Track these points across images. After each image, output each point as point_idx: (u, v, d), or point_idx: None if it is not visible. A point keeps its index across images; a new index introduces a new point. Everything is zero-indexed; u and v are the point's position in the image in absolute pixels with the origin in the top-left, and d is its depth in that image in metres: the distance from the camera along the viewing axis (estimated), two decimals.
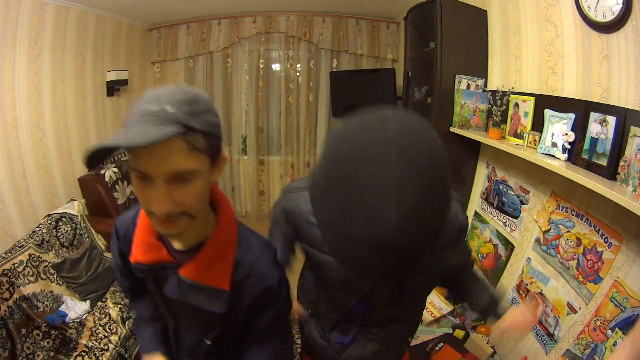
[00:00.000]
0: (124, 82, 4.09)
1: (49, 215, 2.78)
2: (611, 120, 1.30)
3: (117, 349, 2.33)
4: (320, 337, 1.28)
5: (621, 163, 1.26)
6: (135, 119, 0.73)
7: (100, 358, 2.22)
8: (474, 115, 2.30)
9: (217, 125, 0.83)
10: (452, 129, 2.35)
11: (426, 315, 2.32)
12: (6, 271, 2.23)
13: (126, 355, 2.39)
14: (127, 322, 2.52)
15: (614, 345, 1.34)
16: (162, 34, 4.67)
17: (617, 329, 1.34)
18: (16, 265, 2.31)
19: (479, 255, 2.46)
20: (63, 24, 3.08)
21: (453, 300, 1.73)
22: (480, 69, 2.35)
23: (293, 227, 1.11)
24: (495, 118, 2.14)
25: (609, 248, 1.44)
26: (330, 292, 1.16)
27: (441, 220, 0.65)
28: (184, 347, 1.16)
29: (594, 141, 1.39)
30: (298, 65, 4.80)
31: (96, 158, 0.69)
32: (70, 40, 3.20)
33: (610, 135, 1.31)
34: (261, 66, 4.74)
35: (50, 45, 2.95)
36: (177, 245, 0.94)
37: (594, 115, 1.38)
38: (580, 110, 1.47)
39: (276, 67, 4.95)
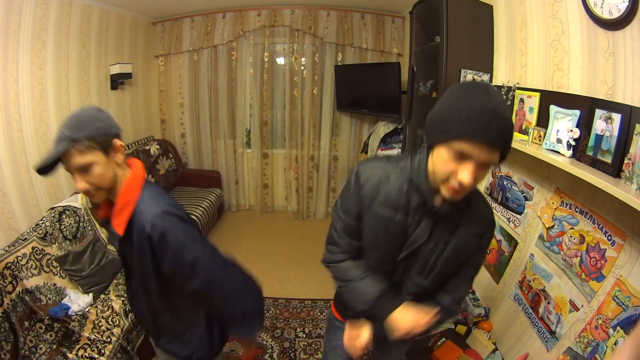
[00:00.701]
0: (128, 76, 4.11)
1: (53, 208, 2.78)
2: (616, 117, 1.29)
3: (120, 341, 2.34)
4: None
5: (626, 161, 1.25)
6: (54, 141, 1.20)
7: (103, 350, 2.22)
8: None
9: (102, 128, 1.23)
10: None
11: None
12: (9, 264, 2.23)
13: (129, 348, 2.40)
14: (129, 314, 2.53)
15: (615, 344, 1.34)
16: (166, 28, 4.69)
17: (618, 327, 1.34)
18: (19, 258, 2.32)
19: None
20: (67, 18, 3.08)
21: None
22: (485, 64, 2.34)
23: (363, 192, 1.26)
24: None
25: (612, 246, 1.43)
26: (380, 247, 1.31)
27: (512, 125, 1.00)
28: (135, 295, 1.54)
29: (599, 138, 1.38)
30: (303, 59, 4.79)
31: (44, 171, 1.20)
32: (74, 34, 3.21)
33: (615, 133, 1.30)
34: (266, 59, 4.74)
35: (54, 39, 2.96)
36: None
37: (599, 112, 1.37)
38: (586, 107, 1.46)
39: (281, 60, 4.94)
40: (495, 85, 2.24)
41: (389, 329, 1.28)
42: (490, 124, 0.95)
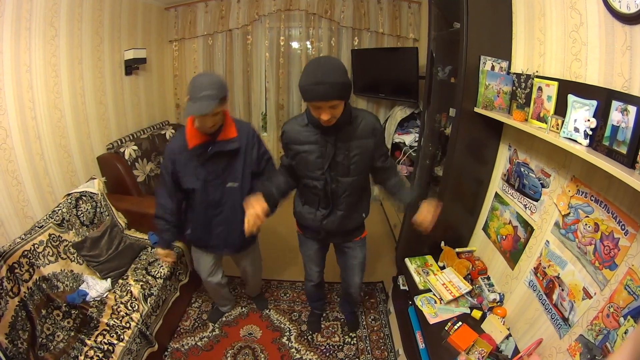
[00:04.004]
0: (142, 61, 4.15)
1: (69, 194, 2.83)
2: (632, 110, 1.29)
3: (139, 326, 2.37)
4: (311, 213, 2.24)
5: None
6: (198, 97, 1.92)
7: (122, 336, 2.25)
8: (498, 96, 2.28)
9: (225, 89, 2.04)
10: (476, 109, 2.33)
11: (445, 294, 2.36)
12: (26, 252, 2.26)
13: (148, 333, 2.43)
14: (149, 299, 2.56)
15: (625, 333, 1.36)
16: (179, 13, 4.72)
17: (629, 316, 1.35)
18: (36, 245, 2.34)
19: (499, 236, 2.47)
20: (79, 5, 3.11)
21: (386, 194, 2.39)
22: (504, 51, 2.32)
23: (287, 141, 2.06)
24: (519, 100, 2.13)
25: (626, 235, 1.44)
26: (312, 170, 2.05)
27: (342, 82, 1.70)
28: (213, 198, 2.34)
29: (615, 129, 1.38)
30: (319, 43, 4.79)
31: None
32: (87, 21, 3.24)
33: (631, 125, 1.30)
34: (282, 43, 4.77)
35: (67, 26, 2.98)
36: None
37: (615, 104, 1.37)
38: (603, 98, 1.46)
39: (297, 44, 4.95)
40: (514, 73, 2.24)
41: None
42: (319, 90, 1.67)
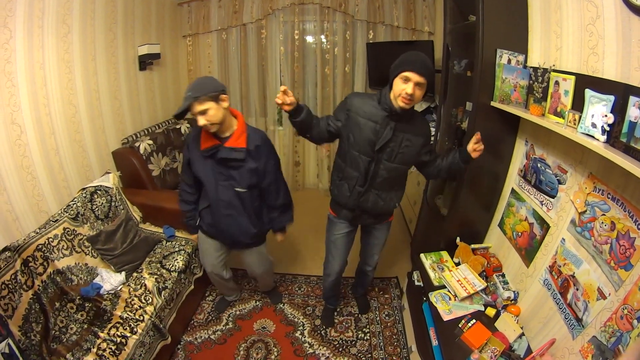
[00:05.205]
0: (156, 56, 4.16)
1: (84, 188, 2.86)
2: None
3: (153, 319, 2.38)
4: (348, 190, 2.35)
5: None
6: (184, 97, 2.02)
7: (135, 329, 2.26)
8: (514, 90, 2.24)
9: (211, 87, 2.06)
10: (493, 104, 2.30)
11: (460, 291, 2.34)
12: (40, 246, 2.29)
13: (161, 326, 2.44)
14: (162, 292, 2.58)
15: (638, 336, 1.33)
16: (192, 8, 4.73)
17: None
18: (50, 239, 2.37)
19: (514, 233, 2.44)
20: (91, 1, 3.12)
21: (433, 176, 2.51)
22: (520, 44, 2.27)
23: (349, 107, 2.19)
24: (536, 94, 2.09)
25: None
26: (363, 144, 2.18)
27: (432, 69, 1.98)
28: (223, 198, 2.40)
29: (633, 125, 1.34)
30: (334, 37, 4.76)
31: (179, 117, 2.12)
32: (100, 17, 3.25)
33: None
34: (296, 37, 4.75)
35: (79, 23, 2.99)
36: (222, 135, 2.25)
37: (633, 99, 1.33)
38: (620, 93, 1.41)
39: (312, 38, 4.91)
40: (531, 67, 2.20)
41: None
42: (417, 64, 1.91)
